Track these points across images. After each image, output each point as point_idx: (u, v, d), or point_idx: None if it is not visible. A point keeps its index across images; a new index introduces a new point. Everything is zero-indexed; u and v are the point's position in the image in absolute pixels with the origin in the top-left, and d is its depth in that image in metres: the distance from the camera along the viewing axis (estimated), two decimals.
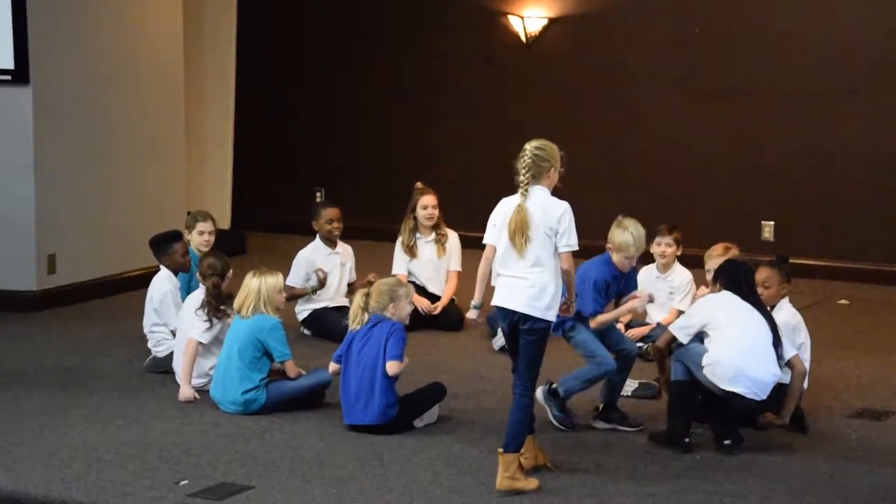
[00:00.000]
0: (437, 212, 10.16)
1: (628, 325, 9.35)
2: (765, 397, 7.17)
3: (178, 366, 8.26)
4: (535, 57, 13.35)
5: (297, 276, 9.73)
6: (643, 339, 9.19)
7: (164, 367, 8.62)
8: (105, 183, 11.18)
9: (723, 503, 6.51)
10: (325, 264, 9.79)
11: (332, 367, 7.74)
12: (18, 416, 7.74)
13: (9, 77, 10.37)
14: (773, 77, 12.41)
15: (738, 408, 7.21)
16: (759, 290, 7.56)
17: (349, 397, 7.53)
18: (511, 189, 6.70)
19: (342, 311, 9.23)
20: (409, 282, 9.96)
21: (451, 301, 10.13)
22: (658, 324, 9.29)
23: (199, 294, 8.31)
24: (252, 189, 14.39)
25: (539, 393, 7.40)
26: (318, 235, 9.92)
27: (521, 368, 6.65)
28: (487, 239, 6.76)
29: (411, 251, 10.15)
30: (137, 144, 11.50)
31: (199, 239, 9.27)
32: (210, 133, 13.73)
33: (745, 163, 12.62)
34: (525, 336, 6.61)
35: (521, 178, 6.62)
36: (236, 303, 7.98)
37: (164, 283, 8.84)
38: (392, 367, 7.43)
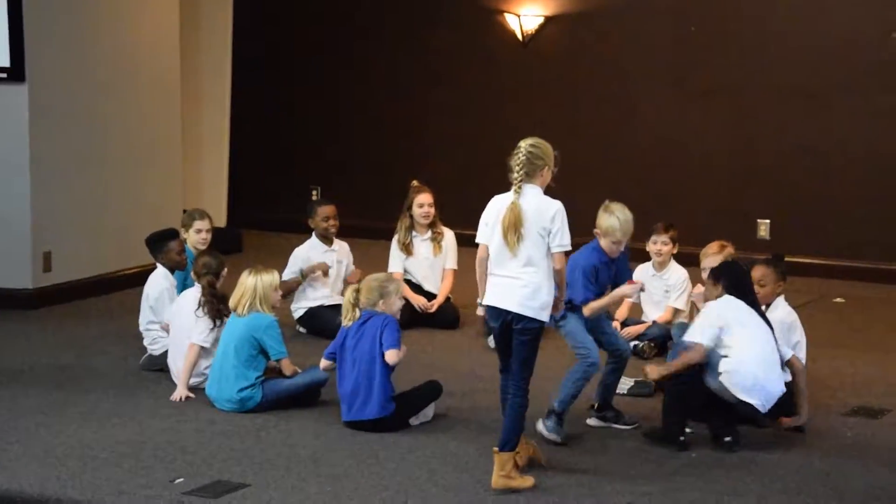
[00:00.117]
0: (433, 210, 10.15)
1: (624, 324, 9.33)
2: (768, 409, 7.19)
3: (174, 364, 8.26)
4: (532, 55, 13.34)
5: (293, 273, 9.73)
6: (638, 337, 9.19)
7: (159, 365, 8.60)
8: (101, 181, 11.16)
9: (720, 501, 6.51)
10: (321, 262, 9.79)
11: (324, 363, 7.73)
12: (14, 415, 7.73)
13: (5, 75, 10.35)
14: (770, 76, 12.41)
15: (743, 414, 7.20)
16: (755, 288, 7.55)
17: (347, 394, 7.52)
18: (507, 187, 6.69)
19: (338, 309, 9.19)
20: (406, 280, 9.97)
21: (447, 299, 10.08)
22: (654, 322, 9.29)
23: (193, 292, 8.30)
24: (248, 187, 14.37)
25: (542, 427, 7.25)
26: (314, 233, 9.91)
27: (514, 369, 6.63)
28: (480, 238, 6.73)
29: (407, 249, 10.14)
30: (133, 142, 11.48)
31: (197, 237, 9.27)
32: (206, 131, 13.70)
33: (742, 161, 12.61)
34: (518, 336, 6.59)
35: (515, 175, 6.62)
36: (232, 301, 7.97)
37: (160, 280, 8.83)
38: (391, 355, 7.42)
